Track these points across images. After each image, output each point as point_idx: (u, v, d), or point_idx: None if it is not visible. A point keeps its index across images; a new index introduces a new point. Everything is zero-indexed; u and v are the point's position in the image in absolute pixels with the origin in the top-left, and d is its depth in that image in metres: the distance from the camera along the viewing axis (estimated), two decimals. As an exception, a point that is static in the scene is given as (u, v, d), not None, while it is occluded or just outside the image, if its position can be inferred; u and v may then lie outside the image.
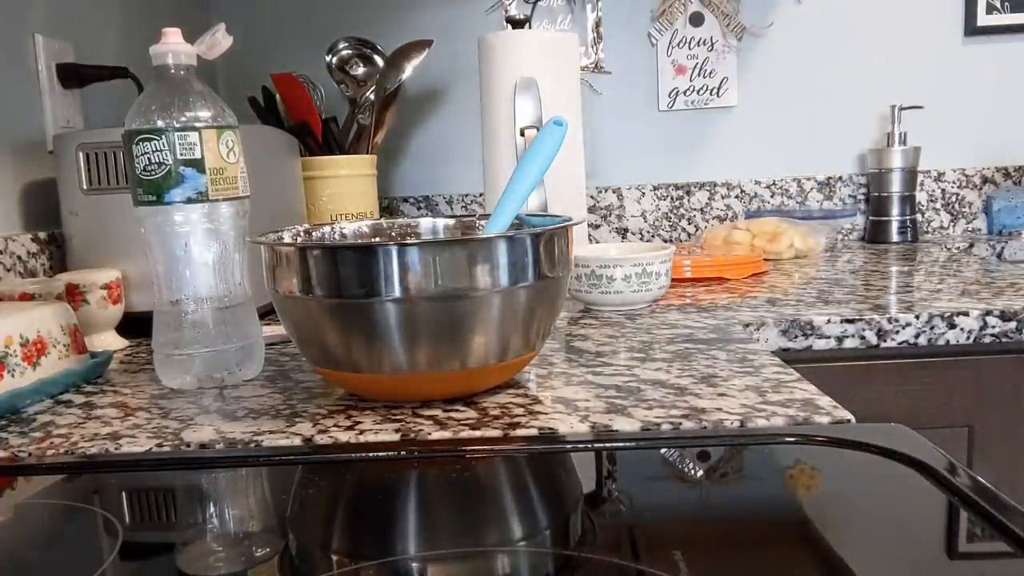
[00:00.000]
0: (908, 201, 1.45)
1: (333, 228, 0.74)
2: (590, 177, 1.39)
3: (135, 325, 0.87)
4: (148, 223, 0.69)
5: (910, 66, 1.51)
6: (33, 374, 0.67)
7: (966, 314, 0.85)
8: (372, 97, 1.31)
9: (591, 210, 1.54)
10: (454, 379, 0.60)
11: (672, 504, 0.48)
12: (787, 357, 0.84)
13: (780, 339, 0.85)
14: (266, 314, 0.84)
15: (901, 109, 1.46)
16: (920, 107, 1.47)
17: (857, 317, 0.85)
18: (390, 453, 0.53)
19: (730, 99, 1.53)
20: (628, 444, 0.54)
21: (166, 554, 0.45)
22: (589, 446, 0.54)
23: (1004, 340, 0.85)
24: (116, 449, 0.56)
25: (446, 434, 0.55)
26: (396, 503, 0.47)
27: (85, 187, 0.90)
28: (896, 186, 1.44)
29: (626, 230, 1.56)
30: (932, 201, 1.54)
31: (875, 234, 1.47)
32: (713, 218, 1.56)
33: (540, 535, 0.43)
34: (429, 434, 0.56)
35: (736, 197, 1.55)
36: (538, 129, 1.05)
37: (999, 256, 1.41)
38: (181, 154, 0.66)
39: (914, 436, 0.50)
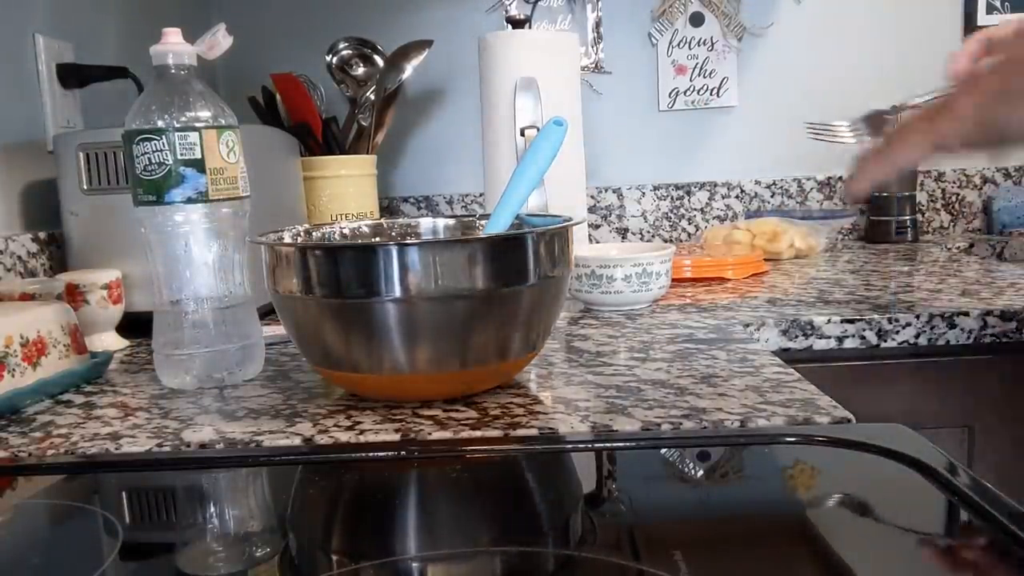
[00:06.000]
0: (908, 201, 1.45)
1: (333, 228, 0.74)
2: (590, 177, 1.39)
3: (135, 325, 0.87)
4: (148, 223, 0.69)
5: (910, 66, 1.51)
6: (33, 374, 0.67)
7: (966, 314, 0.85)
8: (372, 97, 1.31)
9: (591, 210, 1.54)
10: (454, 379, 0.60)
11: (672, 504, 0.48)
12: (787, 357, 0.84)
13: (780, 339, 0.85)
14: (266, 314, 0.84)
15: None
16: (920, 107, 1.47)
17: (857, 317, 0.85)
18: (390, 453, 0.53)
19: (730, 99, 1.53)
20: (628, 444, 0.54)
21: (166, 554, 0.45)
22: (589, 446, 0.54)
23: (1004, 340, 0.85)
24: (116, 449, 0.56)
25: (446, 434, 0.55)
26: (396, 503, 0.47)
27: (85, 187, 0.90)
28: (896, 186, 1.44)
29: (626, 230, 1.56)
30: (932, 201, 1.54)
31: (875, 234, 1.47)
32: (713, 218, 1.56)
33: (540, 535, 0.43)
34: (429, 434, 0.56)
35: (736, 197, 1.55)
36: (538, 129, 1.05)
37: (999, 256, 1.41)
38: (181, 154, 0.66)
39: (914, 436, 0.50)
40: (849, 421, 0.55)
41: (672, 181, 1.56)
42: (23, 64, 0.99)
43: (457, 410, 0.60)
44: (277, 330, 0.85)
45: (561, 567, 0.40)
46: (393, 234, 0.76)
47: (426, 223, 0.77)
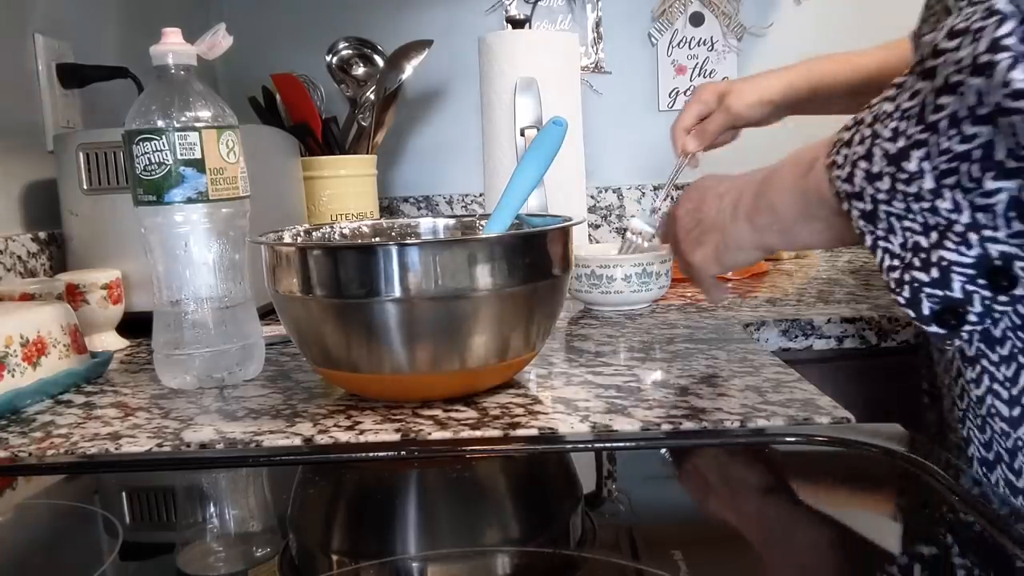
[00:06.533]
0: (908, 201, 1.45)
1: (333, 228, 0.74)
2: (590, 177, 1.39)
3: (135, 325, 0.87)
4: (148, 223, 0.69)
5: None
6: (33, 374, 0.67)
7: (966, 314, 0.85)
8: (372, 97, 1.31)
9: (591, 210, 1.54)
10: (454, 379, 0.60)
11: (672, 504, 0.48)
12: (787, 357, 0.84)
13: (780, 339, 0.85)
14: (266, 314, 0.84)
15: (901, 109, 1.45)
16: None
17: (857, 317, 0.85)
18: (390, 453, 0.53)
19: (730, 99, 1.53)
20: (628, 444, 0.54)
21: (166, 554, 0.45)
22: (589, 446, 0.54)
23: (1004, 340, 0.85)
24: (116, 449, 0.56)
25: (446, 434, 0.55)
26: (396, 503, 0.47)
27: (85, 187, 0.90)
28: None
29: (626, 230, 1.56)
30: (932, 201, 1.54)
31: (875, 234, 1.47)
32: (713, 218, 1.55)
33: (540, 535, 0.43)
34: (429, 434, 0.56)
35: (736, 197, 1.55)
36: (538, 129, 1.05)
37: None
38: (181, 154, 0.66)
39: (914, 436, 0.50)
40: (849, 421, 0.55)
41: (672, 181, 1.55)
42: (23, 64, 0.99)
43: (457, 410, 0.60)
44: (277, 330, 0.85)
45: (561, 567, 0.40)
46: (393, 234, 0.76)
47: (426, 223, 0.77)
